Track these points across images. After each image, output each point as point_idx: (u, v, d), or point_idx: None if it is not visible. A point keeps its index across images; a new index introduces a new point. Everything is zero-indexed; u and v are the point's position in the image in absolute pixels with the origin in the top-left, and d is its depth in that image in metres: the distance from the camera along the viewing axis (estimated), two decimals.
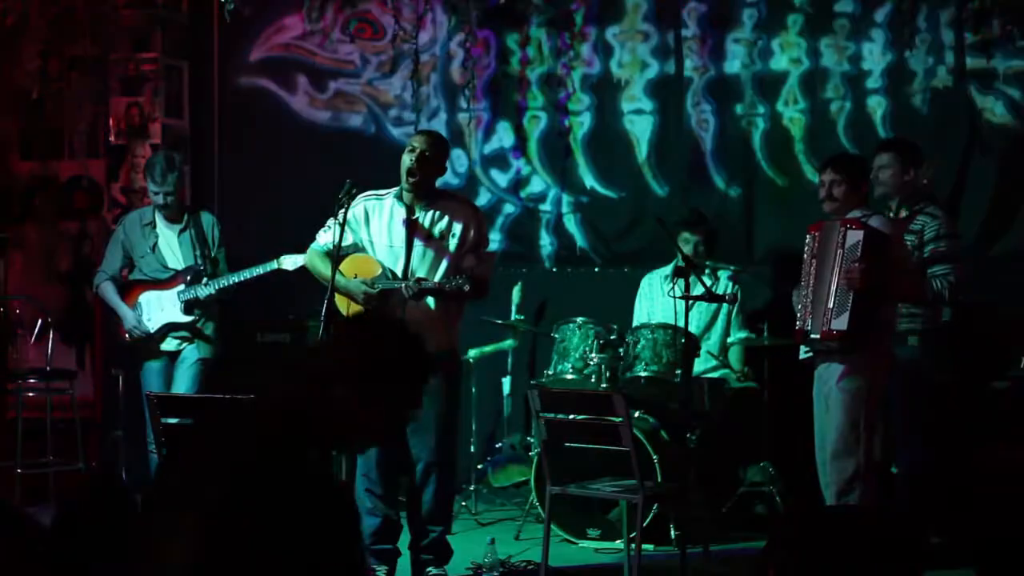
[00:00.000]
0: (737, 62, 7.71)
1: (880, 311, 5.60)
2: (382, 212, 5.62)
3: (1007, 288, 6.89)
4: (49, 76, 7.81)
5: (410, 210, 5.59)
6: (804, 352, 5.83)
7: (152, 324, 6.66)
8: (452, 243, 5.56)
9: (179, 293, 6.66)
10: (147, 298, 6.70)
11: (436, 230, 5.56)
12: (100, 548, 3.02)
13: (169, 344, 6.70)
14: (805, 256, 5.72)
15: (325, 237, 5.68)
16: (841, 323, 5.50)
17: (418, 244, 5.56)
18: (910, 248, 5.97)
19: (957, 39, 7.30)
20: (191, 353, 6.70)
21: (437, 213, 5.58)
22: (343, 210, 5.44)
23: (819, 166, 6.15)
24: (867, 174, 5.87)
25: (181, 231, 6.75)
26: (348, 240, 5.61)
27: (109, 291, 6.75)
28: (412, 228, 5.57)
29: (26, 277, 8.02)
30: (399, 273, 5.55)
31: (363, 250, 5.69)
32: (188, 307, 6.66)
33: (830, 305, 5.53)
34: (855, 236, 5.50)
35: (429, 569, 5.66)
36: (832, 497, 5.50)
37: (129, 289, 6.74)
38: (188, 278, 6.67)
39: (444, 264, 5.55)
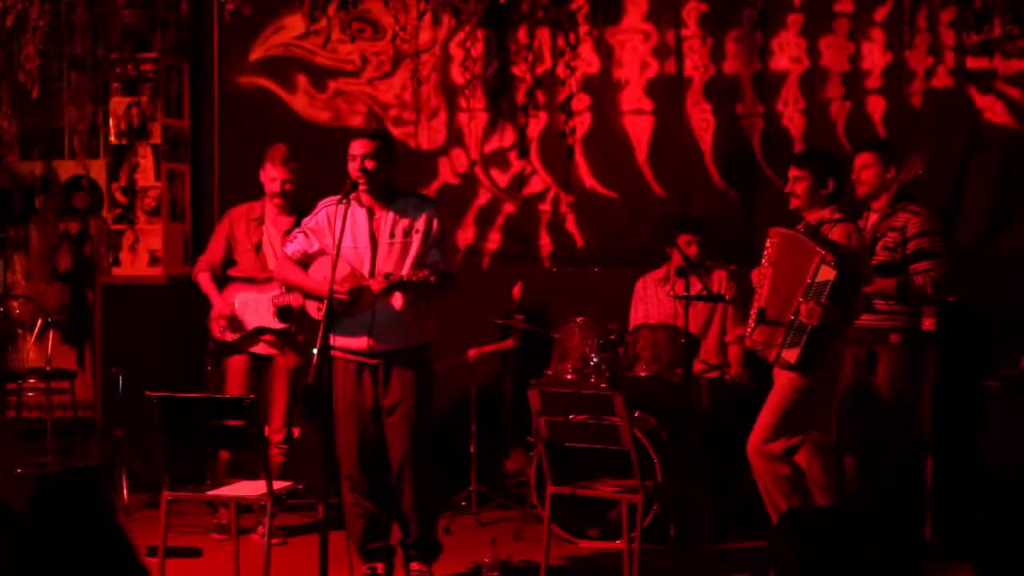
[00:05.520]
0: (737, 62, 7.71)
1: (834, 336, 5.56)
2: (342, 215, 5.54)
3: (1007, 288, 6.89)
4: (49, 76, 7.80)
5: (370, 211, 5.58)
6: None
7: (246, 326, 6.56)
8: (415, 240, 5.54)
9: (274, 298, 6.47)
10: (244, 298, 6.57)
11: (398, 228, 5.55)
12: (74, 541, 3.01)
13: (258, 348, 6.61)
14: (763, 260, 5.69)
15: (292, 247, 5.69)
16: (791, 355, 5.49)
17: (382, 243, 5.54)
18: (891, 248, 6.01)
19: (957, 39, 7.30)
20: (281, 361, 6.61)
21: (398, 212, 5.56)
22: (344, 210, 5.42)
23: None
24: (836, 171, 5.68)
25: (287, 232, 6.39)
26: (315, 247, 5.62)
27: (204, 281, 6.62)
28: (375, 228, 5.56)
29: (26, 277, 8.02)
30: (366, 273, 5.53)
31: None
32: (282, 314, 6.48)
33: (785, 335, 5.51)
34: (827, 274, 5.38)
35: (411, 564, 5.68)
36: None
37: (226, 284, 6.62)
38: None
39: (409, 261, 5.51)
